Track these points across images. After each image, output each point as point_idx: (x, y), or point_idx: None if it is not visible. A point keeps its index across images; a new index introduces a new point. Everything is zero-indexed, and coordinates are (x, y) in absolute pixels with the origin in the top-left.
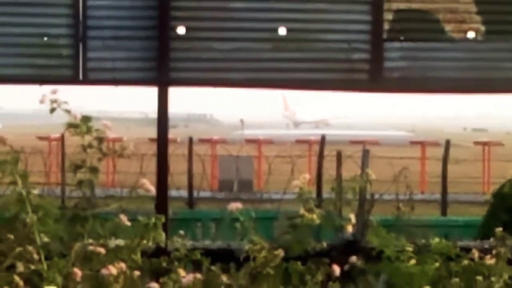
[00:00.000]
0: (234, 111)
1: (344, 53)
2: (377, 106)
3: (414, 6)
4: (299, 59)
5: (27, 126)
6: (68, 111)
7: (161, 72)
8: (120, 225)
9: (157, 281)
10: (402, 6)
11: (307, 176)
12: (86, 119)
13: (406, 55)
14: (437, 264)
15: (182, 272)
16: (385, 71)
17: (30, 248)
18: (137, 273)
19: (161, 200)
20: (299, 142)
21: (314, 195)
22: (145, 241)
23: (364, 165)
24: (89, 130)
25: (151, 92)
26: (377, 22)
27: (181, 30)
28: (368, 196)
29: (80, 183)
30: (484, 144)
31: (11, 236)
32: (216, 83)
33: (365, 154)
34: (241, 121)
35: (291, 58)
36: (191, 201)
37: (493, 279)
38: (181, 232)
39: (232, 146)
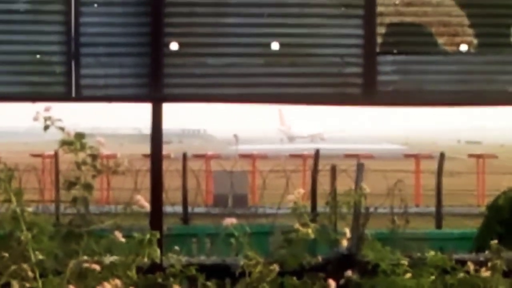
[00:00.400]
0: (227, 126)
1: (337, 67)
2: (371, 120)
3: (407, 19)
4: (292, 74)
5: (21, 144)
6: (61, 129)
7: (155, 88)
8: (115, 242)
9: None
10: (395, 19)
11: (301, 190)
12: (79, 136)
13: (399, 68)
14: (432, 277)
15: None
16: (379, 84)
17: (24, 266)
18: None
19: (156, 216)
20: (293, 156)
21: (308, 209)
22: (140, 258)
23: (358, 179)
24: (83, 147)
25: (145, 108)
26: (370, 36)
27: (174, 46)
28: (363, 210)
29: (74, 200)
30: (478, 156)
31: (6, 254)
32: (210, 98)
33: (360, 168)
34: (235, 136)
35: (284, 73)
36: (185, 217)
37: None
38: (176, 248)
39: (226, 161)
